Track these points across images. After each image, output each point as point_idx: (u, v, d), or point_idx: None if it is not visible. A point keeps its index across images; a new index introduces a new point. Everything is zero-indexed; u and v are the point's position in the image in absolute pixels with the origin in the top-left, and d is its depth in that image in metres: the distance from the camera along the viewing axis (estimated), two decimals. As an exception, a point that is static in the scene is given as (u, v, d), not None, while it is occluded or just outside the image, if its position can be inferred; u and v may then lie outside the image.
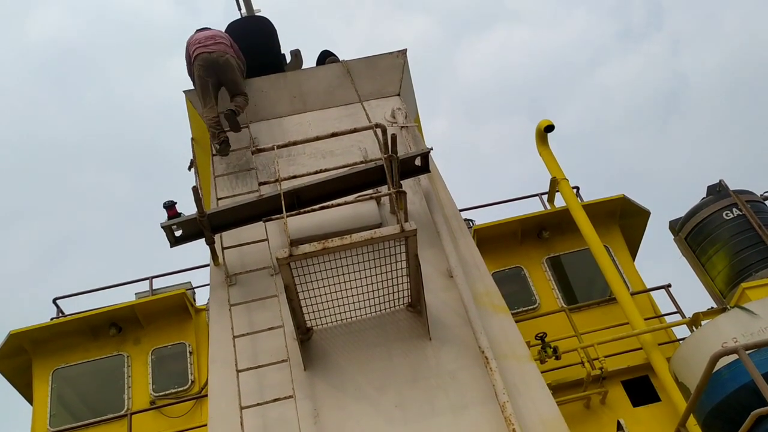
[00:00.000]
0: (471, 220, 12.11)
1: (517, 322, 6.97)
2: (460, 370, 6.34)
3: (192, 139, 9.49)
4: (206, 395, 9.02)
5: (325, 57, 10.05)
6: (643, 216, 11.96)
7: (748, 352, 5.59)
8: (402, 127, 8.54)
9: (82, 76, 47.06)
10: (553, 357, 9.44)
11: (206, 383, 10.25)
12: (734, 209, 10.81)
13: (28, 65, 45.88)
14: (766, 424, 5.96)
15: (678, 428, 6.54)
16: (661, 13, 49.62)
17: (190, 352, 11.08)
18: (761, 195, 11.31)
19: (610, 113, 46.47)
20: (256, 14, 10.90)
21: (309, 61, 10.32)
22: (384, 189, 7.19)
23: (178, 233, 7.17)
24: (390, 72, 9.27)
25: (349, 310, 6.59)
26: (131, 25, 46.89)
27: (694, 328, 9.44)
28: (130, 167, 46.43)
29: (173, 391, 10.73)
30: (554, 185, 10.93)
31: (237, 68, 8.69)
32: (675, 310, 10.43)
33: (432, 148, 7.63)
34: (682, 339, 9.74)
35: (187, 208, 7.25)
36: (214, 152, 8.30)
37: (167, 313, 11.35)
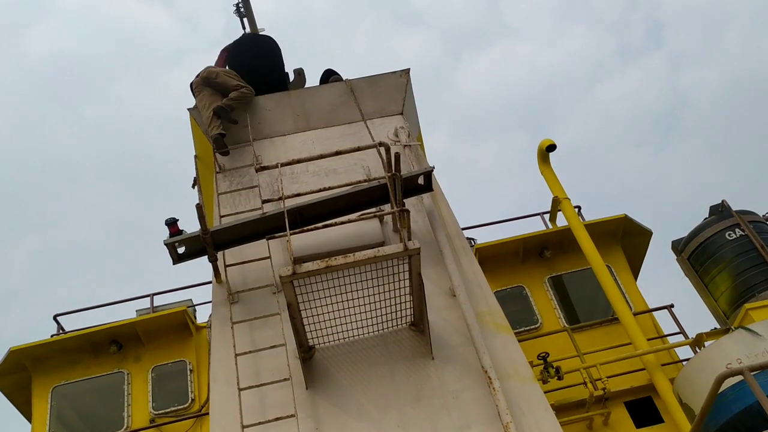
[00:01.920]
0: (473, 239, 12.11)
1: (519, 341, 6.94)
2: (463, 390, 6.31)
3: (195, 156, 9.53)
4: (206, 413, 8.98)
5: (329, 76, 10.13)
6: (646, 236, 11.95)
7: (753, 373, 5.56)
8: (405, 145, 8.57)
9: (81, 89, 47.27)
10: (556, 377, 9.39)
11: (206, 401, 10.20)
12: (737, 230, 10.81)
13: (26, 78, 46.14)
14: (771, 446, 5.92)
15: (682, 450, 6.49)
16: (661, 30, 50.01)
17: (191, 370, 11.03)
18: (764, 215, 11.31)
19: (609, 130, 46.67)
20: (260, 33, 10.99)
21: (312, 79, 10.41)
22: (387, 207, 7.21)
23: (181, 250, 7.18)
24: (393, 91, 9.33)
25: (352, 329, 6.57)
26: (131, 40, 47.22)
27: (697, 348, 9.39)
28: (130, 182, 46.51)
29: (173, 409, 10.66)
30: (556, 205, 10.94)
31: (222, 74, 9.04)
32: (678, 330, 10.40)
33: (434, 167, 7.66)
34: (686, 360, 9.71)
35: (189, 225, 7.28)
36: (215, 149, 8.40)
37: (168, 330, 11.31)
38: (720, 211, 11.20)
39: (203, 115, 8.89)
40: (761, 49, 44.15)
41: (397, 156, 6.57)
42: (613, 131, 46.56)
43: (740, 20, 46.05)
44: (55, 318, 11.79)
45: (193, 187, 9.09)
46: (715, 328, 9.85)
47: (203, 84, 9.11)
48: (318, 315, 6.29)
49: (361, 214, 6.96)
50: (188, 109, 9.29)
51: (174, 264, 7.23)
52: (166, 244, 7.09)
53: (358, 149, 6.92)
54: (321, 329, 6.45)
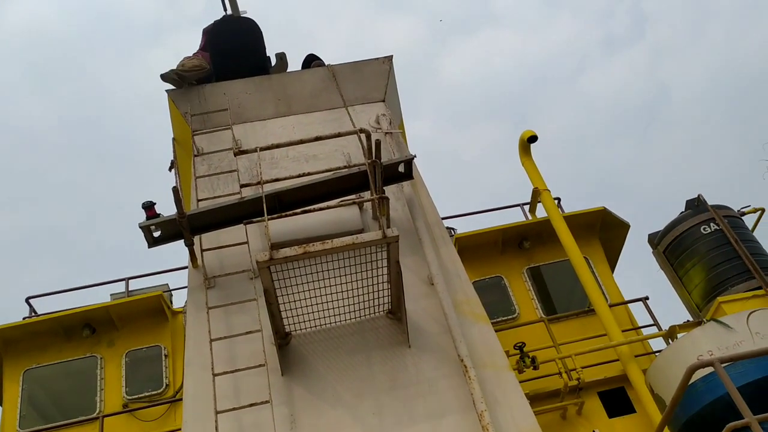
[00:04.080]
0: (453, 229, 12.13)
1: (496, 331, 6.96)
2: (439, 379, 6.31)
3: (173, 139, 9.39)
4: (181, 399, 8.89)
5: (311, 61, 10.02)
6: (623, 228, 12.06)
7: (723, 365, 5.63)
8: (386, 133, 8.52)
9: (59, 64, 46.40)
10: (531, 367, 9.47)
11: (181, 387, 10.12)
12: (712, 224, 10.95)
13: (2, 51, 45.10)
14: (740, 437, 6.00)
15: (653, 440, 6.57)
16: (644, 21, 50.36)
17: (166, 355, 10.94)
18: (738, 210, 11.47)
19: (592, 121, 47.01)
20: (242, 15, 10.83)
21: (294, 64, 10.29)
22: (367, 194, 7.16)
23: (156, 234, 7.07)
24: (375, 78, 9.26)
25: (329, 316, 6.53)
26: (109, 16, 46.36)
27: (670, 340, 9.51)
28: (107, 163, 45.87)
29: (147, 394, 10.58)
30: (536, 196, 10.99)
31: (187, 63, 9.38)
32: (652, 322, 10.52)
33: (415, 155, 7.62)
34: (659, 351, 9.83)
35: (167, 208, 7.17)
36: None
37: (143, 315, 11.20)
38: (696, 205, 11.33)
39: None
40: (743, 45, 44.68)
41: (378, 143, 6.52)
42: (595, 122, 46.92)
43: (723, 15, 46.54)
44: (27, 301, 11.62)
45: (171, 170, 8.95)
46: (688, 321, 9.99)
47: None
48: (295, 301, 6.25)
49: (341, 201, 6.91)
50: (167, 91, 9.15)
51: (149, 247, 7.12)
52: (141, 227, 6.99)
53: (339, 135, 6.86)
54: (298, 315, 6.41)
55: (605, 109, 47.02)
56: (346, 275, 6.16)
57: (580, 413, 9.72)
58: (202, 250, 7.15)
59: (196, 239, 7.15)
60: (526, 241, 11.71)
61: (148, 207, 7.09)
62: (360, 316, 6.66)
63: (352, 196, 7.14)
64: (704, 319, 9.22)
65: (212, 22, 10.16)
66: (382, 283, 6.39)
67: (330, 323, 6.62)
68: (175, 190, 6.70)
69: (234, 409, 5.93)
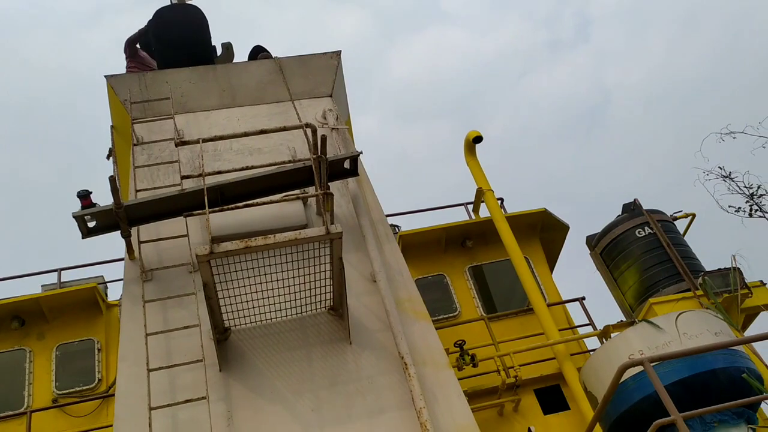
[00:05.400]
0: (397, 226, 12.16)
1: (437, 329, 7.03)
2: (379, 375, 6.33)
3: (112, 126, 9.11)
4: (113, 394, 8.64)
5: (257, 53, 9.88)
6: (563, 230, 12.34)
7: (653, 364, 5.82)
8: (332, 128, 8.48)
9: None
10: (471, 364, 9.59)
11: (114, 382, 9.82)
12: (646, 227, 11.32)
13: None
14: (667, 434, 6.22)
15: (585, 436, 6.74)
16: (589, 26, 51.65)
17: (99, 349, 10.61)
18: (671, 215, 11.89)
19: (536, 122, 47.97)
20: (187, 2, 10.57)
21: (240, 55, 10.13)
22: (311, 190, 7.11)
23: (91, 224, 6.85)
24: (323, 72, 9.20)
25: (270, 312, 6.46)
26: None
27: (604, 339, 9.80)
28: (40, 149, 44.03)
29: (78, 389, 10.24)
30: (480, 196, 11.14)
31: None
32: (588, 322, 10.80)
33: (361, 152, 7.61)
34: (593, 350, 10.10)
35: (104, 198, 6.95)
36: None
37: (76, 307, 10.84)
38: (632, 209, 11.70)
39: None
40: (682, 54, 46.35)
41: (324, 138, 6.47)
42: (539, 124, 47.88)
43: (663, 24, 48.15)
44: (-49, 290, 11.09)
45: (108, 158, 8.69)
46: (622, 321, 10.31)
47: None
48: (235, 296, 6.15)
49: (285, 196, 6.84)
50: (105, 77, 8.86)
51: (83, 238, 6.90)
52: (75, 217, 6.75)
53: (284, 129, 6.78)
54: (238, 311, 6.31)
55: (549, 111, 48.09)
56: (288, 271, 6.10)
57: (516, 410, 9.91)
58: (140, 242, 6.96)
59: (133, 231, 6.96)
60: (468, 240, 11.85)
61: (84, 196, 6.86)
62: (301, 312, 6.61)
63: (296, 191, 7.08)
64: (636, 320, 9.53)
65: (156, 9, 9.89)
66: (325, 279, 6.36)
67: (270, 319, 6.55)
68: (112, 179, 6.49)
69: (169, 405, 5.80)
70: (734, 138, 10.90)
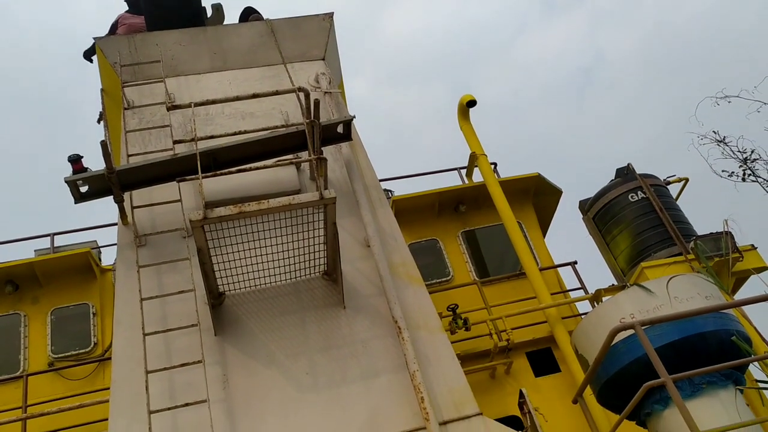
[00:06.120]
0: (390, 191, 12.17)
1: (430, 293, 7.07)
2: (373, 339, 6.39)
3: (102, 90, 8.99)
4: (109, 358, 8.70)
5: (249, 14, 9.71)
6: (556, 194, 12.36)
7: (643, 327, 5.89)
8: (325, 92, 8.39)
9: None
10: (464, 328, 9.69)
11: (110, 346, 9.90)
12: (639, 192, 11.35)
13: None
14: (656, 395, 6.34)
15: (575, 398, 6.86)
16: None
17: (94, 313, 10.66)
18: (664, 180, 11.92)
19: (530, 85, 47.63)
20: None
21: (231, 17, 9.96)
22: (304, 155, 7.07)
23: (83, 189, 6.80)
24: (315, 35, 9.06)
25: (264, 276, 6.48)
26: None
27: (596, 303, 9.89)
28: (33, 113, 43.52)
29: (74, 353, 10.32)
30: (473, 160, 11.11)
31: None
32: (579, 286, 10.90)
33: (354, 116, 7.55)
34: (585, 314, 10.22)
35: (95, 162, 6.89)
36: None
37: (70, 272, 10.85)
38: (625, 173, 11.71)
39: None
40: (674, 15, 45.84)
41: (317, 103, 6.41)
42: (533, 86, 47.54)
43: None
44: (-57, 255, 11.04)
45: (99, 122, 8.59)
46: (613, 285, 10.40)
47: None
48: (229, 261, 6.16)
49: (278, 161, 6.80)
50: (94, 39, 8.70)
51: (76, 203, 6.86)
52: (67, 182, 6.70)
53: (277, 93, 6.70)
54: (232, 276, 6.33)
55: (543, 72, 47.70)
56: (282, 236, 6.10)
57: (508, 372, 10.06)
58: (133, 208, 6.93)
59: (126, 196, 6.92)
60: (462, 204, 11.87)
61: (75, 160, 6.80)
62: (295, 277, 6.63)
63: (290, 156, 7.03)
64: (628, 284, 9.62)
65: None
66: (319, 244, 6.36)
67: (265, 284, 6.57)
68: (103, 143, 6.43)
69: (165, 369, 5.85)
70: (729, 102, 10.87)
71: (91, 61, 9.59)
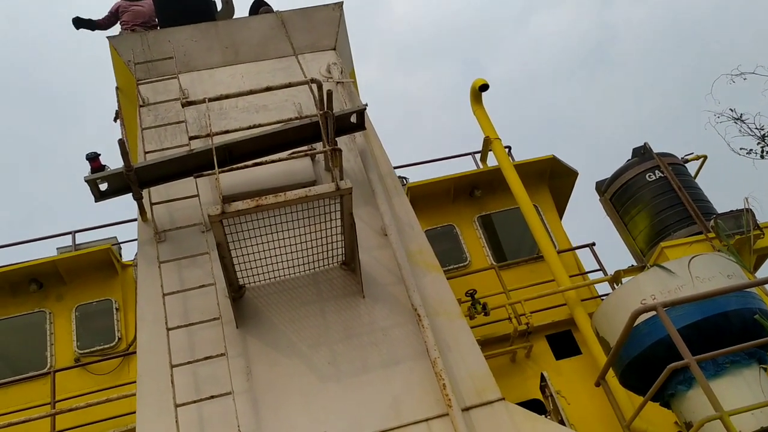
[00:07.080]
0: (405, 178, 12.16)
1: (448, 279, 7.08)
2: (393, 327, 6.42)
3: (117, 88, 9.06)
4: (134, 352, 8.84)
5: (258, 6, 9.71)
6: (572, 176, 12.29)
7: (665, 308, 5.87)
8: (338, 82, 8.39)
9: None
10: (482, 313, 9.70)
11: (134, 340, 10.05)
12: (657, 171, 11.25)
13: None
14: (680, 376, 6.32)
15: (598, 380, 6.86)
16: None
17: (117, 309, 10.81)
18: (682, 158, 11.79)
19: (542, 62, 47.12)
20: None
21: (241, 9, 9.96)
22: (319, 146, 7.09)
23: (103, 187, 6.88)
24: (326, 25, 9.04)
25: (283, 268, 6.53)
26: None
27: (615, 285, 9.86)
28: (51, 111, 43.87)
29: (99, 348, 10.49)
30: (487, 145, 11.07)
31: None
32: (598, 267, 10.86)
33: (367, 105, 7.55)
34: (604, 295, 10.18)
35: (113, 160, 6.97)
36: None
37: (92, 268, 11.00)
38: (642, 153, 11.60)
39: None
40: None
41: (330, 93, 6.42)
42: (545, 64, 47.06)
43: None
44: (-32, 256, 11.24)
45: (115, 120, 8.66)
46: (633, 266, 10.35)
47: None
48: (248, 254, 6.21)
49: (292, 153, 6.83)
50: (108, 38, 8.76)
51: (96, 201, 6.94)
52: (87, 181, 6.78)
53: (290, 85, 6.72)
54: (251, 268, 6.38)
55: (555, 49, 47.19)
56: (299, 227, 6.14)
57: (528, 356, 10.07)
58: (152, 204, 7.00)
59: (144, 192, 6.99)
60: (477, 189, 11.84)
61: (93, 158, 6.88)
62: (314, 268, 6.68)
63: (304, 148, 7.05)
64: (648, 264, 9.57)
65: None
66: (336, 234, 6.40)
67: (284, 275, 6.63)
68: (121, 142, 6.49)
69: (190, 362, 5.93)
70: (745, 79, 10.71)
71: (80, 28, 9.63)
